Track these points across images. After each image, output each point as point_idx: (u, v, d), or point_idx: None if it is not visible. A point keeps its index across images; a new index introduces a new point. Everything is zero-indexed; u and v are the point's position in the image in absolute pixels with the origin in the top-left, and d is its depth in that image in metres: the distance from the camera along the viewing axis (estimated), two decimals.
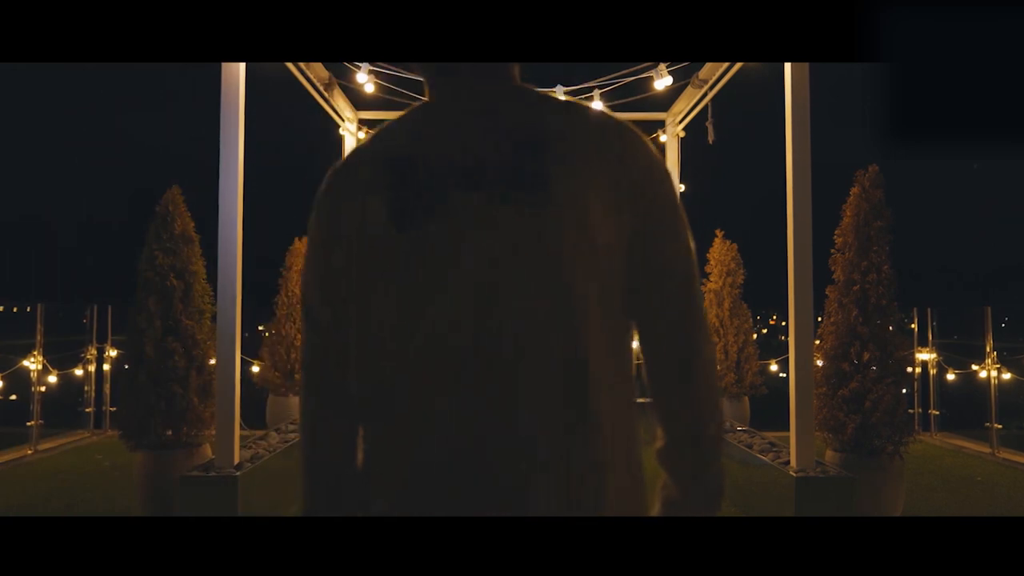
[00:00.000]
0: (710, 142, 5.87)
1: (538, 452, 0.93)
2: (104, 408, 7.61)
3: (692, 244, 1.05)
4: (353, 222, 1.01)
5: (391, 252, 0.97)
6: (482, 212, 0.95)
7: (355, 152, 1.10)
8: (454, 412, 0.94)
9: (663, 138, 7.05)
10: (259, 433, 5.43)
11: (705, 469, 1.06)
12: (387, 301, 0.98)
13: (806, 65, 4.16)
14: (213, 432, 4.38)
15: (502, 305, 0.93)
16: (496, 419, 0.93)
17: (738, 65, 5.23)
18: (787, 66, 4.18)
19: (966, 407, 7.33)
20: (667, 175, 1.07)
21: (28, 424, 6.57)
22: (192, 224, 4.87)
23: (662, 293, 1.02)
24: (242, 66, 4.21)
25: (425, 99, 1.09)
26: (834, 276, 4.70)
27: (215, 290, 4.28)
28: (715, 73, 5.60)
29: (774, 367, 7.77)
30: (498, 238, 0.95)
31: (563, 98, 1.34)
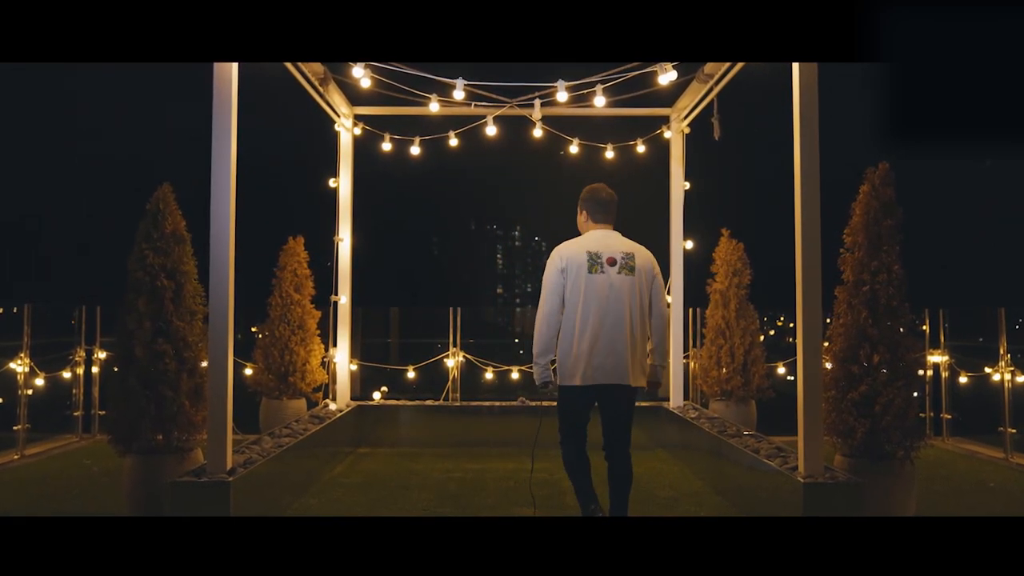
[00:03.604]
0: (716, 138, 5.75)
1: (627, 344, 3.85)
2: (93, 412, 7.51)
3: (664, 288, 4.13)
4: (568, 261, 3.91)
5: (583, 278, 3.87)
6: (615, 275, 3.89)
7: (571, 240, 4.03)
8: (595, 325, 3.83)
9: (667, 134, 6.92)
10: (252, 438, 5.33)
11: (663, 359, 4.09)
12: (577, 291, 3.86)
13: (814, 64, 4.08)
14: (205, 436, 4.32)
15: (617, 304, 3.86)
16: (613, 332, 3.84)
17: None
18: (795, 66, 4.11)
19: (979, 411, 7.21)
20: (656, 265, 4.07)
21: (14, 428, 6.49)
22: (183, 223, 4.77)
23: (657, 307, 4.02)
24: (235, 65, 4.14)
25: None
26: (843, 276, 4.62)
27: (207, 290, 4.21)
28: (720, 68, 5.49)
29: (782, 370, 7.68)
30: (619, 285, 3.88)
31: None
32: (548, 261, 3.98)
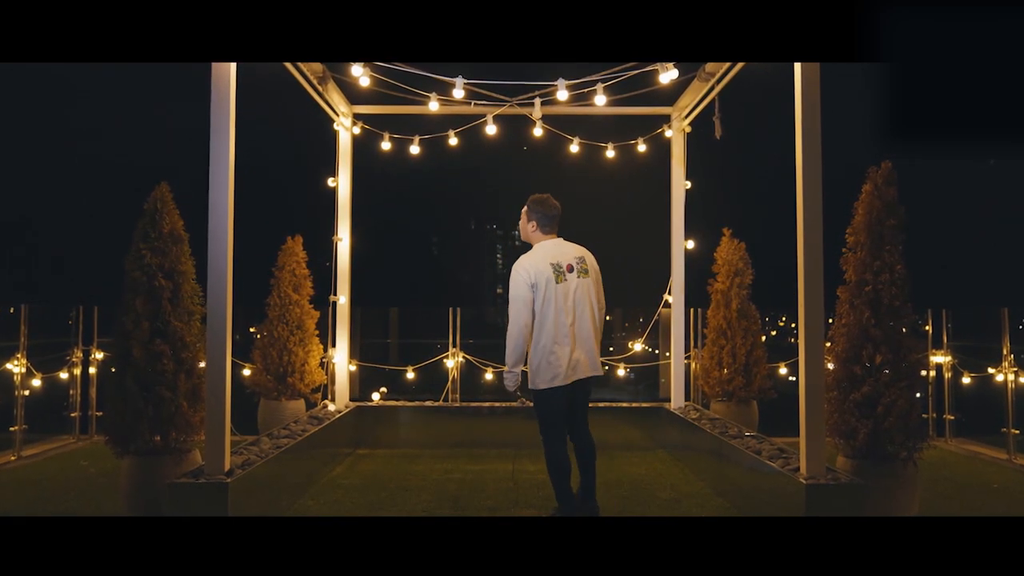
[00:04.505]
0: (717, 137, 5.72)
1: (593, 339, 4.31)
2: (90, 413, 7.46)
3: (601, 285, 4.51)
4: (536, 276, 4.22)
5: (552, 288, 4.22)
6: (574, 279, 4.28)
7: (530, 255, 4.34)
8: (569, 328, 4.22)
9: (668, 133, 6.89)
10: (250, 439, 5.30)
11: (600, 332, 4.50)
12: (549, 301, 4.20)
13: (816, 64, 4.05)
14: (202, 437, 4.29)
15: (581, 305, 4.28)
16: (584, 331, 4.27)
17: None
18: (797, 65, 4.08)
19: (982, 412, 7.17)
20: (597, 267, 4.49)
21: (11, 429, 6.46)
22: (181, 223, 4.74)
23: (601, 300, 4.45)
24: (233, 64, 4.12)
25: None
26: (845, 276, 4.59)
27: (205, 291, 4.19)
28: (722, 67, 5.46)
29: (783, 370, 7.63)
30: (578, 287, 4.28)
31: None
32: (513, 277, 4.24)
